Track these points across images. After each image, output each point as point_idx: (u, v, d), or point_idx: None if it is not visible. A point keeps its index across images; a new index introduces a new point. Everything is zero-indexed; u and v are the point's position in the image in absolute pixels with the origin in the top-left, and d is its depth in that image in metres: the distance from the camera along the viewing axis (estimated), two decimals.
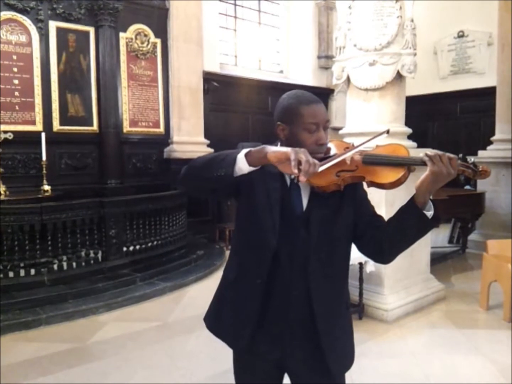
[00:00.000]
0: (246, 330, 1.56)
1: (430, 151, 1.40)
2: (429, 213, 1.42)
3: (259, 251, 1.53)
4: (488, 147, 7.22)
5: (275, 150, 1.31)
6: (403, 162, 1.46)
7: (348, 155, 1.46)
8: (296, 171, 1.25)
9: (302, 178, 1.25)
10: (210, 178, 1.40)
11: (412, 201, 1.44)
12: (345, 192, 1.51)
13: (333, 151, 1.54)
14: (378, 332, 3.97)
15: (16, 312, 4.16)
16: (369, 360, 3.37)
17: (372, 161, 1.48)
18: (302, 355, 1.57)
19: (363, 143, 1.50)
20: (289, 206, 1.53)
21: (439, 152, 1.38)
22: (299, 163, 1.24)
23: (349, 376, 1.67)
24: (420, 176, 1.42)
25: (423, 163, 1.41)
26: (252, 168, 1.35)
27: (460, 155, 1.42)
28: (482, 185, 6.94)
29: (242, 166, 1.35)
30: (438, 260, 6.05)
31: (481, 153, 7.16)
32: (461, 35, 9.32)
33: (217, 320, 1.69)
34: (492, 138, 7.22)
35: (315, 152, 1.48)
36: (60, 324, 4.17)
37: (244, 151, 1.34)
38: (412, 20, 4.30)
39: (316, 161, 1.28)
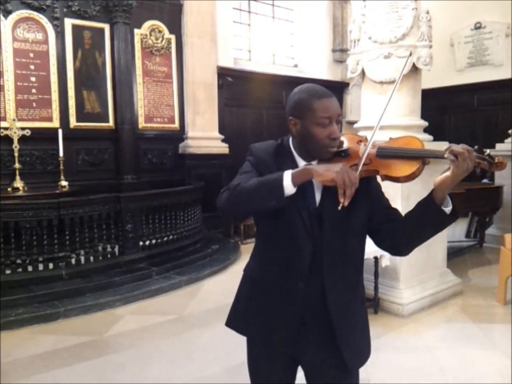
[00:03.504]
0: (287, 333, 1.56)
1: (456, 146, 1.34)
2: (447, 209, 1.40)
3: (294, 257, 1.52)
4: (506, 140, 7.11)
5: (321, 172, 1.35)
6: (418, 154, 1.43)
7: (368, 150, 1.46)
8: (342, 199, 1.32)
9: (346, 203, 1.32)
10: (259, 209, 1.47)
11: (430, 197, 1.41)
12: (359, 185, 1.48)
13: (345, 145, 1.53)
14: (393, 326, 3.95)
15: (34, 305, 4.24)
16: (384, 354, 3.37)
17: (386, 154, 1.47)
18: (316, 349, 1.57)
19: (374, 130, 1.50)
20: (303, 202, 1.52)
21: (466, 147, 1.33)
22: (344, 190, 1.31)
23: (364, 370, 1.67)
24: (434, 168, 1.40)
25: (439, 157, 1.38)
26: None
27: (476, 147, 1.39)
28: (499, 178, 6.84)
29: (289, 191, 1.37)
30: (455, 254, 6.00)
31: (498, 146, 7.05)
32: (478, 26, 9.16)
33: (250, 323, 1.66)
34: (510, 131, 7.10)
35: (328, 146, 1.48)
36: (78, 317, 4.24)
37: (288, 177, 1.35)
38: (427, 12, 4.25)
39: (356, 175, 1.35)
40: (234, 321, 1.70)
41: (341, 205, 1.32)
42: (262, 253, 1.66)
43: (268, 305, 1.59)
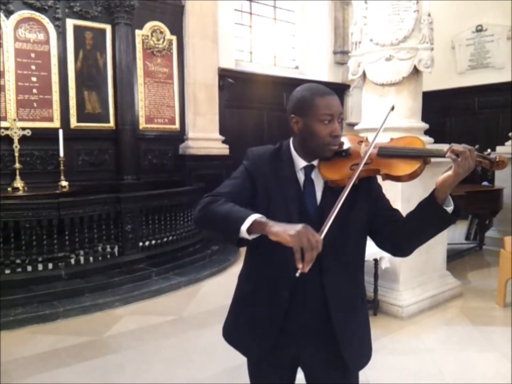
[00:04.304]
0: (265, 340, 1.57)
1: (457, 146, 1.33)
2: (449, 209, 1.40)
3: (280, 266, 1.51)
4: (507, 143, 7.10)
5: (276, 232, 1.28)
6: (419, 154, 1.43)
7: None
8: (300, 265, 1.23)
9: (306, 269, 1.23)
10: (219, 233, 1.49)
11: (432, 197, 1.41)
12: (360, 186, 1.49)
13: (346, 145, 1.53)
14: (392, 328, 3.95)
15: (34, 305, 4.24)
16: (383, 356, 3.36)
17: (387, 153, 1.46)
18: (317, 351, 1.57)
19: (375, 137, 1.49)
20: (303, 203, 1.52)
21: (468, 147, 1.33)
22: (302, 254, 1.23)
23: (363, 372, 1.66)
24: (434, 171, 1.40)
25: (440, 156, 1.38)
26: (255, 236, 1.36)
27: (477, 146, 1.39)
28: (500, 181, 6.85)
29: (245, 236, 1.34)
30: (454, 257, 5.99)
31: (499, 148, 7.05)
32: (479, 29, 9.17)
33: (235, 331, 1.69)
34: (511, 134, 7.10)
35: (330, 144, 1.48)
36: (77, 317, 4.24)
37: (248, 224, 1.32)
38: (429, 15, 4.25)
39: (318, 238, 1.24)
40: (225, 330, 1.73)
41: (299, 272, 1.23)
42: (251, 259, 1.66)
43: (252, 314, 1.60)
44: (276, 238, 1.28)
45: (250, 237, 1.34)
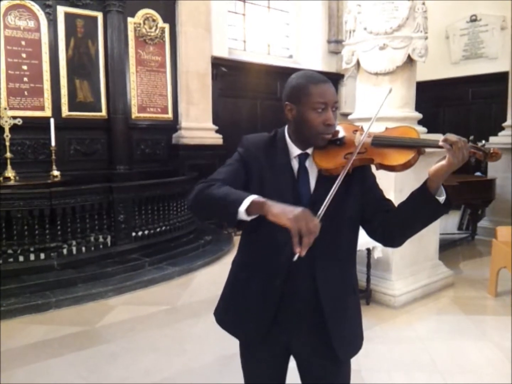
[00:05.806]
0: (258, 331, 1.57)
1: (451, 136, 1.34)
2: (441, 199, 1.40)
3: (274, 254, 1.51)
4: (500, 133, 7.13)
5: (275, 213, 1.27)
6: (414, 144, 1.42)
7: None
8: (298, 249, 1.22)
9: (303, 253, 1.23)
10: (214, 217, 1.55)
11: (424, 187, 1.40)
12: (354, 175, 1.49)
13: (341, 134, 1.52)
14: (385, 317, 3.97)
15: (26, 295, 4.22)
16: (376, 345, 3.39)
17: (382, 143, 1.46)
18: (308, 339, 1.57)
19: (369, 126, 1.47)
20: (297, 192, 1.51)
21: (462, 138, 1.33)
22: (300, 237, 1.22)
23: (355, 360, 1.67)
24: (428, 161, 1.39)
25: (434, 146, 1.37)
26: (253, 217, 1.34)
27: (471, 137, 1.38)
28: (492, 171, 6.88)
29: (243, 218, 1.33)
30: (447, 247, 6.03)
31: (492, 139, 7.07)
32: (473, 19, 9.14)
33: (228, 315, 1.68)
34: (504, 124, 7.12)
35: (323, 132, 1.47)
36: (70, 307, 4.23)
37: (246, 205, 1.31)
38: (423, 3, 4.23)
39: (316, 223, 1.24)
40: (217, 314, 1.73)
41: (296, 255, 1.23)
42: (245, 247, 1.66)
43: (245, 301, 1.59)
44: (274, 219, 1.27)
45: (248, 218, 1.33)
